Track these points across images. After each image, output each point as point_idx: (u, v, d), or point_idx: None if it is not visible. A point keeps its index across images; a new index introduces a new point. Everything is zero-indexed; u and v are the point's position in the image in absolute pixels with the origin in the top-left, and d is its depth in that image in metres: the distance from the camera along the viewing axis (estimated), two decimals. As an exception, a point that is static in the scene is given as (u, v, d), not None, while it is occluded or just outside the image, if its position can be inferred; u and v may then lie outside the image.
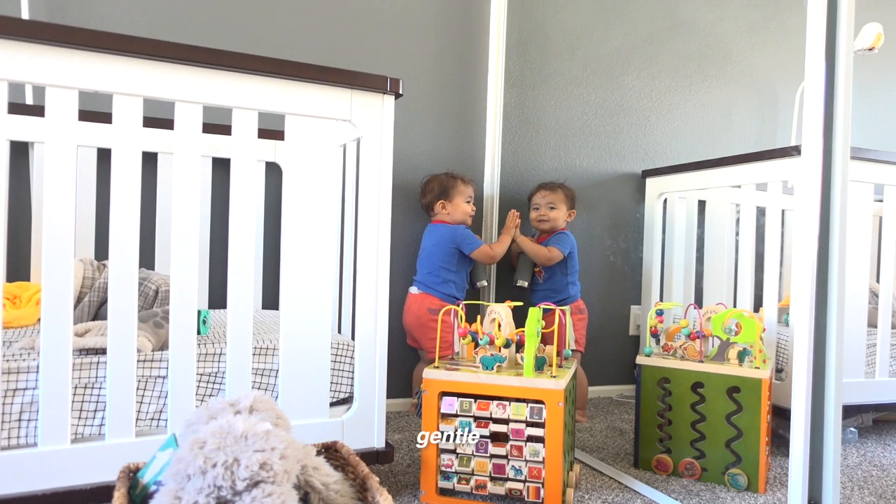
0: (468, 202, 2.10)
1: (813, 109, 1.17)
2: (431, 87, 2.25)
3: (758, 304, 2.04)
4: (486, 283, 2.23)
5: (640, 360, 1.70)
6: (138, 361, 1.20)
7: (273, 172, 2.03)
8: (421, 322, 2.02)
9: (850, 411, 1.95)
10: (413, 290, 2.09)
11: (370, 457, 1.37)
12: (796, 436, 1.16)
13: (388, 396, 2.12)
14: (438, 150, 2.27)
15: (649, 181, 2.52)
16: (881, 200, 2.03)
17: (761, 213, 2.10)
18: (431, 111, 2.26)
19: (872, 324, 2.03)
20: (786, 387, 1.86)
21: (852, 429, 1.98)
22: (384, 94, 1.37)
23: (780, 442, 1.92)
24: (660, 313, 1.79)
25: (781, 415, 1.86)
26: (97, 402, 1.17)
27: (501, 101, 2.30)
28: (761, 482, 1.55)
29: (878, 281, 2.07)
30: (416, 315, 2.04)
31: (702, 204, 2.39)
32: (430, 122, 2.26)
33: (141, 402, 1.21)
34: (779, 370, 1.94)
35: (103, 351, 1.17)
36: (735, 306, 2.09)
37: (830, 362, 1.15)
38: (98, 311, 1.39)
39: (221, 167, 1.93)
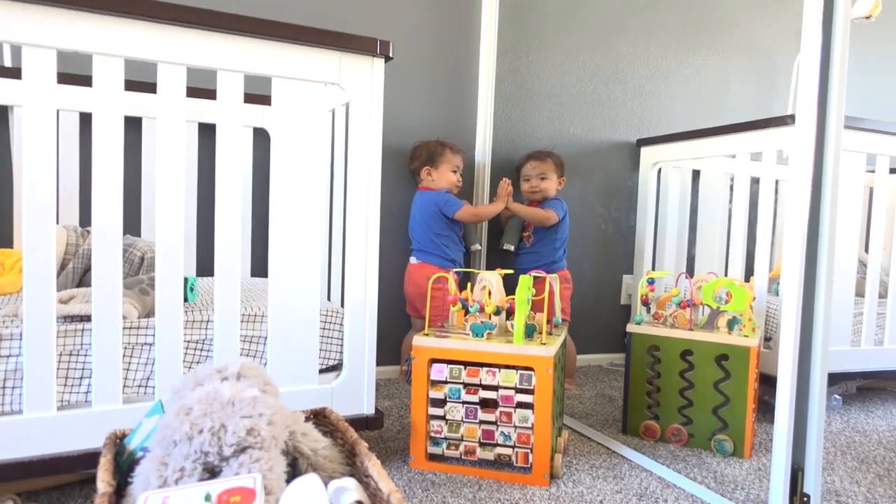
0: (454, 172, 2.09)
1: (808, 78, 1.15)
2: (423, 52, 2.21)
3: (749, 273, 2.04)
4: (479, 247, 2.23)
5: (630, 328, 1.70)
6: (124, 328, 1.19)
7: (262, 138, 1.99)
8: (421, 292, 2.01)
9: (834, 379, 1.98)
10: (413, 259, 2.10)
11: (360, 423, 1.37)
12: (781, 403, 1.16)
13: (379, 364, 2.11)
14: (430, 115, 2.23)
15: (644, 150, 2.49)
16: (873, 171, 2.02)
17: (755, 182, 2.09)
18: (423, 76, 2.21)
19: (860, 293, 2.04)
20: (773, 355, 1.88)
21: (836, 396, 2.01)
22: (374, 56, 1.34)
23: (766, 409, 1.95)
24: (651, 282, 1.79)
25: (768, 382, 1.88)
26: (83, 369, 1.16)
27: (494, 67, 2.26)
28: (747, 448, 1.58)
29: (866, 251, 2.07)
30: (417, 284, 2.04)
31: (696, 173, 2.37)
32: (422, 86, 2.22)
33: (128, 370, 1.20)
34: (767, 339, 1.95)
35: (88, 318, 1.15)
36: (726, 275, 2.09)
37: (818, 331, 1.15)
38: (83, 278, 1.37)
39: (208, 132, 1.89)
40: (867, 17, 2.45)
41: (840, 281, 1.90)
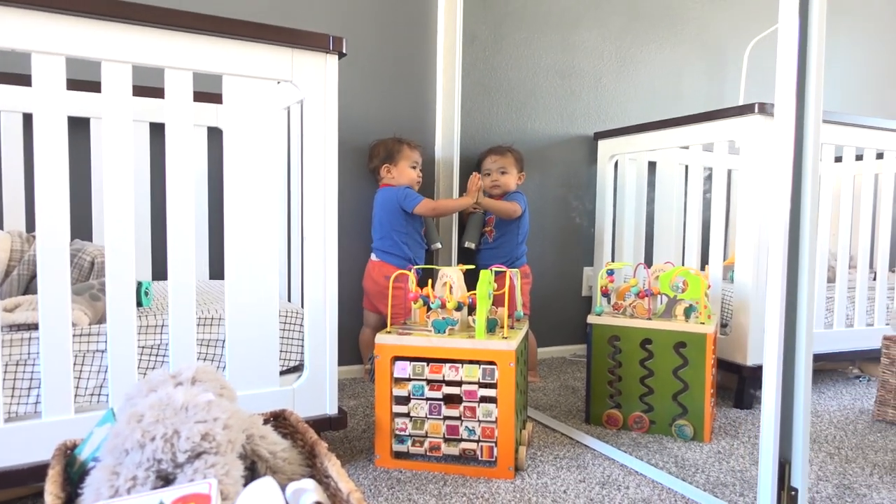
0: (414, 168, 2.08)
1: (786, 66, 1.10)
2: (382, 48, 2.19)
3: (704, 261, 2.09)
4: (440, 246, 2.22)
5: (591, 319, 1.73)
6: (75, 336, 1.15)
7: (219, 138, 1.95)
8: (380, 289, 2.01)
9: None
10: (373, 257, 2.10)
11: (323, 423, 1.36)
12: (767, 397, 1.12)
13: (344, 363, 2.11)
14: (391, 112, 2.22)
15: (601, 143, 2.53)
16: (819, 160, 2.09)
17: (708, 173, 2.14)
18: (383, 72, 2.20)
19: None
20: (730, 341, 1.93)
21: None
22: (327, 53, 1.33)
23: (723, 394, 2.00)
24: (610, 273, 1.81)
25: (725, 368, 1.93)
26: (31, 379, 1.12)
27: (460, 60, 2.25)
28: (706, 432, 1.61)
29: (816, 237, 2.14)
30: (376, 282, 2.04)
31: (652, 165, 2.42)
32: (382, 83, 2.20)
33: (79, 378, 1.17)
34: (723, 325, 2.00)
35: (36, 326, 1.11)
36: (682, 264, 2.14)
37: (801, 324, 1.11)
38: (29, 285, 1.32)
39: (161, 132, 1.84)
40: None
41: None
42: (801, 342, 1.12)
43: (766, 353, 1.13)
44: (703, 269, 2.03)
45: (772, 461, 1.12)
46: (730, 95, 2.83)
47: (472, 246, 2.19)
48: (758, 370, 1.86)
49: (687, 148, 2.13)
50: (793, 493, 1.12)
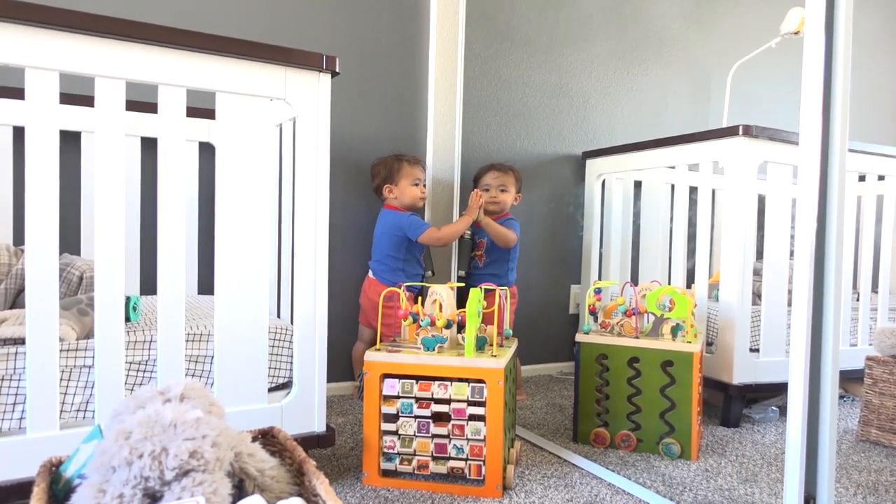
0: (416, 185, 2.05)
1: (812, 91, 1.11)
2: (375, 67, 2.21)
3: (690, 280, 2.11)
4: (431, 275, 2.21)
5: (578, 337, 1.74)
6: (62, 351, 1.15)
7: (210, 153, 1.96)
8: (374, 306, 2.01)
9: (772, 389, 2.02)
10: (370, 274, 2.09)
11: (311, 441, 1.35)
12: (793, 431, 1.09)
13: (333, 380, 2.11)
14: (389, 130, 2.22)
15: (589, 162, 2.56)
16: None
17: (693, 192, 2.17)
18: (376, 91, 2.22)
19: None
20: (716, 359, 1.94)
21: (774, 407, 2.05)
22: (320, 72, 1.34)
23: (710, 412, 2.01)
24: (598, 292, 1.83)
25: (712, 386, 1.94)
26: (17, 394, 1.11)
27: (461, 78, 2.27)
28: (694, 450, 1.62)
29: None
30: (370, 298, 2.04)
31: (638, 184, 2.45)
32: (375, 102, 2.22)
33: (65, 394, 1.16)
34: (709, 343, 2.02)
35: (23, 341, 1.10)
36: (669, 283, 2.16)
37: (826, 358, 1.07)
38: (16, 300, 1.31)
39: (153, 147, 1.85)
40: (795, 33, 2.59)
41: (774, 289, 1.97)
42: (826, 375, 1.08)
43: (791, 386, 1.09)
44: (688, 287, 2.05)
45: (797, 496, 1.09)
46: (714, 117, 2.89)
47: (462, 273, 2.18)
48: (744, 389, 1.89)
49: (673, 168, 2.16)
50: None
